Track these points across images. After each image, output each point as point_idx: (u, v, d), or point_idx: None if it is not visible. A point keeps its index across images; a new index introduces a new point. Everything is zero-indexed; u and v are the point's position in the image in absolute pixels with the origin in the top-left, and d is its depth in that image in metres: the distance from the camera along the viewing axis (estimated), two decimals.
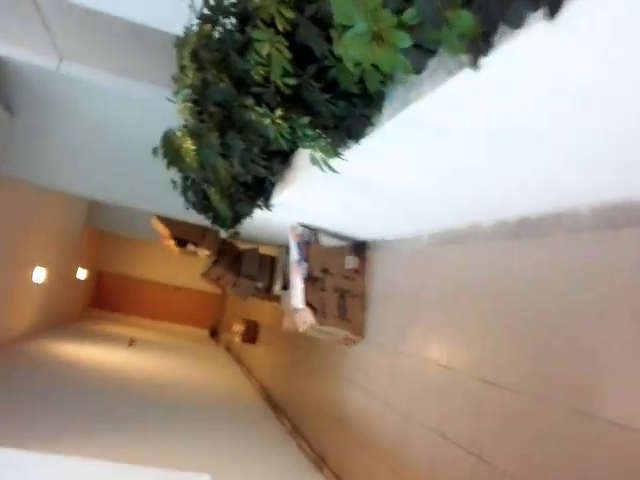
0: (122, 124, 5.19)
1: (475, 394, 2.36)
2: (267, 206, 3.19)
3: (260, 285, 5.88)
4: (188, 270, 11.87)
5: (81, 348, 7.83)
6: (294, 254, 3.82)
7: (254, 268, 5.83)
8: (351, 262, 3.97)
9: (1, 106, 4.60)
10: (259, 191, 3.14)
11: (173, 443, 4.15)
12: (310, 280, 3.76)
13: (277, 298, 5.85)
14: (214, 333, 13.00)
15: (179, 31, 2.75)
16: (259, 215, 3.70)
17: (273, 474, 4.02)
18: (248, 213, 3.36)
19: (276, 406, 5.78)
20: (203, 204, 4.56)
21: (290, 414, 5.23)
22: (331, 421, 4.08)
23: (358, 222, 3.41)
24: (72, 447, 3.58)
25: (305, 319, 3.72)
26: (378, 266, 3.80)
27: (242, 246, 6.12)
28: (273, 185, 3.08)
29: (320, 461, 4.10)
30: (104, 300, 12.90)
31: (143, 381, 6.51)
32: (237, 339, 8.37)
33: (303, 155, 2.49)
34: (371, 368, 3.54)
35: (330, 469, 3.90)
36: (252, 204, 3.15)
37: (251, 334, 8.14)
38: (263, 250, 6.14)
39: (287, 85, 1.44)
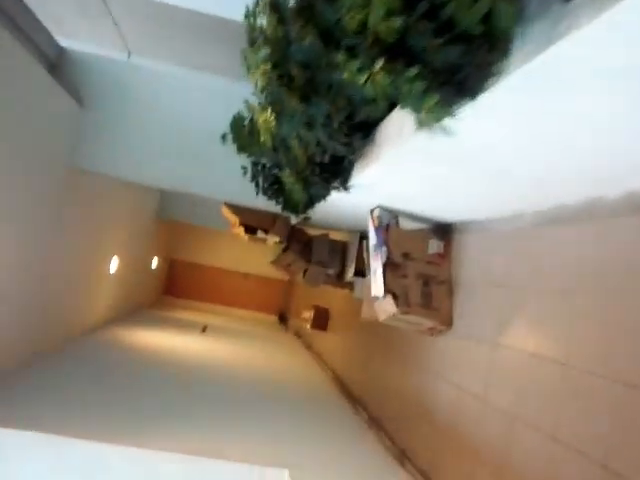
0: (190, 113, 5.11)
1: (603, 395, 2.01)
2: (345, 187, 2.94)
3: (331, 272, 5.67)
4: (256, 257, 11.92)
5: (156, 335, 8.00)
6: (372, 238, 3.55)
7: (325, 254, 5.62)
8: (435, 246, 3.65)
9: (72, 98, 4.60)
10: (336, 172, 2.89)
11: (248, 434, 4.04)
12: (390, 266, 3.48)
13: (349, 285, 5.63)
14: (283, 319, 13.03)
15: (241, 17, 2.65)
16: (334, 198, 3.45)
17: (352, 468, 3.81)
18: (324, 195, 3.12)
19: (351, 396, 5.58)
20: (274, 189, 4.38)
21: (367, 405, 5.01)
22: (415, 416, 3.82)
23: (446, 201, 3.08)
24: (151, 440, 3.54)
25: (386, 308, 3.46)
26: (467, 250, 3.46)
27: (312, 232, 5.92)
28: (352, 164, 2.82)
29: (402, 456, 3.86)
30: (176, 287, 13.25)
31: (217, 368, 6.52)
32: (307, 326, 8.25)
33: (391, 126, 2.20)
34: (463, 362, 3.22)
35: (414, 465, 3.65)
36: (328, 186, 2.90)
37: (321, 321, 7.98)
38: (333, 236, 5.91)
39: (390, 30, 1.17)
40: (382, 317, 3.55)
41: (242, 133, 3.73)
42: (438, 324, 3.48)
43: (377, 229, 3.50)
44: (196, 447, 3.55)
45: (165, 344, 7.41)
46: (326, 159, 2.76)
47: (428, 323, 3.49)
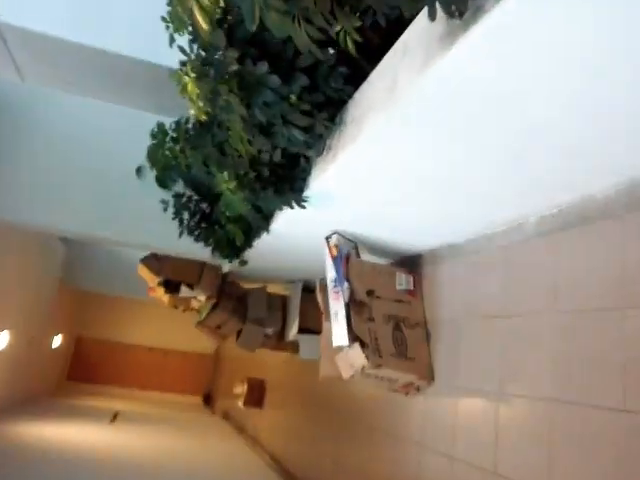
0: (98, 149, 4.29)
1: None
2: (300, 200, 2.27)
3: (270, 331, 4.84)
4: (178, 330, 10.72)
5: (54, 429, 6.55)
6: (330, 272, 2.86)
7: (263, 311, 4.81)
8: (403, 281, 3.02)
9: None
10: (290, 176, 2.23)
11: None
12: (355, 306, 2.78)
13: (292, 346, 4.81)
14: (208, 400, 11.63)
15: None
16: (280, 226, 2.78)
17: None
18: (276, 207, 2.42)
19: None
20: (202, 227, 3.64)
21: None
22: None
23: (424, 214, 2.48)
24: None
25: (353, 361, 2.71)
26: (443, 282, 2.85)
27: (246, 286, 5.12)
28: (311, 164, 2.17)
29: None
30: (84, 370, 11.51)
31: (126, 468, 5.27)
32: (239, 403, 7.17)
33: (378, 82, 1.60)
34: (455, 424, 2.50)
35: None
36: (280, 196, 2.22)
37: (256, 396, 6.95)
38: (271, 289, 5.14)
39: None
40: (347, 374, 2.79)
41: (160, 156, 3.04)
42: (416, 378, 2.77)
43: (335, 259, 2.81)
44: None
45: (65, 440, 6.01)
46: (277, 157, 2.10)
47: (405, 378, 2.77)
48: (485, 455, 2.22)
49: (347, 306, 2.76)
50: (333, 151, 1.95)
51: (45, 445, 5.53)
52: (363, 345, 2.68)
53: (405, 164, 1.94)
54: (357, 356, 2.68)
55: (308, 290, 4.68)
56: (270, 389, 6.67)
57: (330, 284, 2.85)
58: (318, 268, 3.29)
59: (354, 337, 2.70)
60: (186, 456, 6.19)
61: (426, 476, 2.67)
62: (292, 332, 4.57)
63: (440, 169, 1.93)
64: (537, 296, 2.11)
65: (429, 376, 2.78)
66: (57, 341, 9.52)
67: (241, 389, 7.22)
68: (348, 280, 2.81)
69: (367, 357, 2.64)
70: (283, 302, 4.95)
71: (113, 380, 11.65)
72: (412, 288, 3.02)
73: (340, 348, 2.79)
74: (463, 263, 2.68)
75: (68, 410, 8.40)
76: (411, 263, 3.12)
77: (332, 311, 2.83)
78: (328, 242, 2.89)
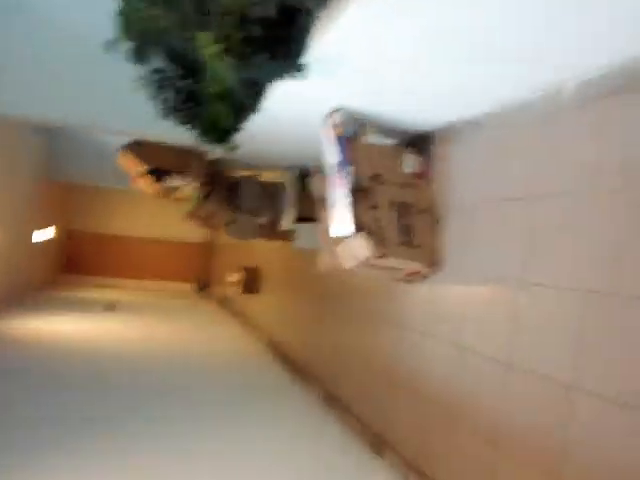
0: (61, 28, 3.72)
1: None
2: (299, 66, 1.92)
3: (264, 220, 4.65)
4: (169, 219, 10.53)
5: (52, 321, 6.60)
6: (332, 156, 2.58)
7: (255, 200, 4.58)
8: (411, 163, 2.76)
9: None
10: (286, 37, 1.86)
11: (171, 445, 3.02)
12: (359, 193, 2.55)
13: (288, 235, 4.65)
14: (203, 287, 11.84)
15: None
16: (274, 101, 2.44)
17: (317, 464, 2.94)
18: (270, 76, 2.08)
19: (298, 368, 4.70)
20: (188, 107, 3.25)
21: (322, 380, 4.15)
22: (393, 388, 2.99)
23: (439, 83, 2.15)
24: (46, 462, 2.46)
25: (356, 252, 2.54)
26: (457, 163, 2.60)
27: (237, 174, 4.83)
28: (312, 19, 1.80)
29: (379, 442, 3.05)
30: (79, 263, 11.52)
31: (130, 353, 5.36)
32: (236, 290, 7.22)
33: None
34: (467, 312, 2.39)
35: (397, 453, 2.85)
36: (275, 62, 1.87)
37: (251, 283, 6.98)
38: (265, 176, 4.87)
39: None
40: (349, 264, 2.63)
41: (134, 17, 2.58)
42: (422, 266, 2.62)
43: (339, 140, 2.52)
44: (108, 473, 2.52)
45: (59, 331, 6.06)
46: (270, 12, 1.73)
47: (411, 266, 2.62)
48: (499, 346, 2.13)
49: (350, 193, 2.53)
50: (340, 1, 1.58)
51: (42, 338, 5.57)
52: (367, 235, 2.49)
53: (426, 15, 1.58)
54: (361, 246, 2.50)
55: (304, 177, 4.42)
56: (265, 276, 6.67)
57: (333, 168, 2.59)
58: (316, 153, 3.01)
59: (357, 226, 2.50)
60: (187, 340, 6.33)
61: (431, 365, 2.63)
62: (287, 221, 4.38)
63: (464, 19, 1.58)
64: (576, 175, 1.87)
65: (436, 263, 2.63)
66: (49, 233, 9.35)
67: (237, 277, 7.24)
68: (352, 164, 2.55)
69: (371, 247, 2.47)
70: (276, 190, 4.70)
71: (108, 271, 11.71)
72: (421, 170, 2.77)
73: (342, 238, 2.60)
74: (483, 140, 2.40)
75: (65, 302, 8.49)
76: (421, 143, 2.83)
77: (333, 199, 2.59)
78: (331, 120, 2.57)
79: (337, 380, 3.82)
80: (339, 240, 2.65)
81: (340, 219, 2.57)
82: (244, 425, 3.40)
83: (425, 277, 2.72)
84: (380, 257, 2.51)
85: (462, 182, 2.54)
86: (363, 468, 2.88)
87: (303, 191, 4.36)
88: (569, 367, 1.76)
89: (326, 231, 2.81)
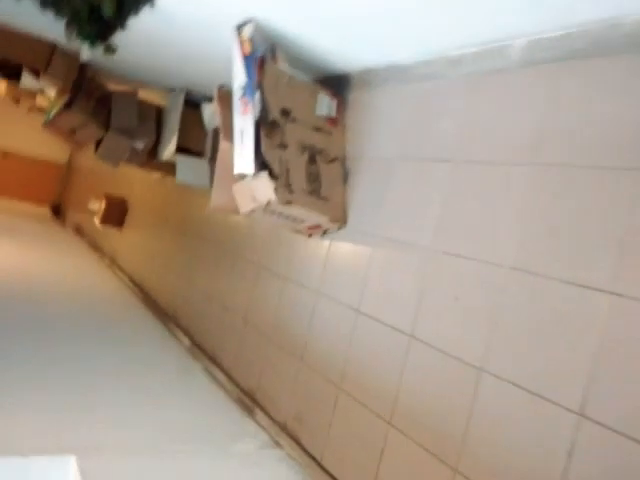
0: None
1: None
2: None
3: (140, 145, 4.02)
4: (22, 129, 9.03)
5: None
6: (240, 76, 2.15)
7: (132, 119, 3.92)
8: (325, 105, 2.43)
9: None
10: None
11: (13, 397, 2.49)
12: (266, 126, 2.17)
13: (167, 167, 4.08)
14: (58, 212, 10.51)
15: None
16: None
17: (176, 425, 2.64)
18: None
19: (164, 314, 4.28)
20: None
21: (189, 328, 3.79)
22: (273, 346, 2.76)
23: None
24: None
25: (256, 194, 2.18)
26: (376, 112, 2.33)
27: (111, 87, 4.08)
28: None
29: (249, 400, 2.83)
30: None
31: None
32: (95, 220, 6.41)
33: None
34: (369, 275, 2.19)
35: (268, 414, 2.66)
36: None
37: (115, 215, 6.22)
38: (144, 96, 4.19)
39: None
40: (246, 208, 2.27)
41: None
42: (327, 220, 2.36)
43: (247, 59, 2.09)
44: None
45: None
46: None
47: (314, 219, 2.35)
48: (402, 315, 1.96)
49: (257, 125, 2.14)
50: None
51: None
52: (272, 176, 2.15)
53: None
54: (263, 188, 2.15)
55: (191, 103, 3.86)
56: (134, 211, 5.98)
57: (237, 92, 2.16)
58: (213, 75, 2.54)
59: (262, 164, 2.14)
60: (37, 269, 5.47)
61: (324, 325, 2.42)
62: (168, 150, 3.82)
63: None
64: (511, 142, 1.70)
65: (341, 219, 2.39)
66: None
67: (98, 205, 6.42)
68: (261, 90, 2.15)
69: (275, 190, 2.14)
70: (158, 114, 4.08)
71: None
72: (334, 115, 2.46)
73: (241, 176, 2.23)
74: (410, 92, 2.15)
75: None
76: (337, 85, 2.51)
77: (237, 129, 2.18)
78: (240, 33, 2.13)
79: (206, 330, 3.49)
80: (238, 178, 2.27)
81: (241, 154, 2.19)
82: (105, 377, 2.95)
83: (326, 232, 2.47)
84: (284, 204, 2.19)
85: (380, 135, 2.29)
86: (233, 427, 2.64)
87: (189, 119, 3.82)
88: (479, 346, 1.64)
89: (225, 165, 2.40)
